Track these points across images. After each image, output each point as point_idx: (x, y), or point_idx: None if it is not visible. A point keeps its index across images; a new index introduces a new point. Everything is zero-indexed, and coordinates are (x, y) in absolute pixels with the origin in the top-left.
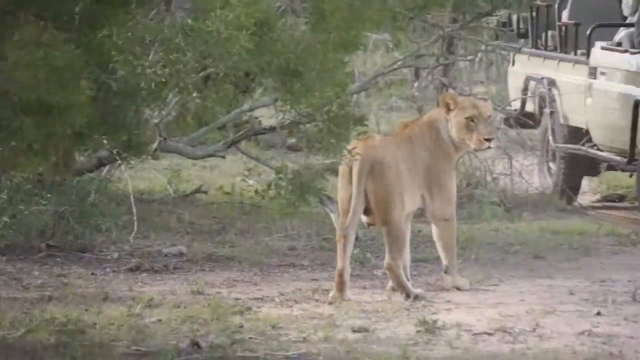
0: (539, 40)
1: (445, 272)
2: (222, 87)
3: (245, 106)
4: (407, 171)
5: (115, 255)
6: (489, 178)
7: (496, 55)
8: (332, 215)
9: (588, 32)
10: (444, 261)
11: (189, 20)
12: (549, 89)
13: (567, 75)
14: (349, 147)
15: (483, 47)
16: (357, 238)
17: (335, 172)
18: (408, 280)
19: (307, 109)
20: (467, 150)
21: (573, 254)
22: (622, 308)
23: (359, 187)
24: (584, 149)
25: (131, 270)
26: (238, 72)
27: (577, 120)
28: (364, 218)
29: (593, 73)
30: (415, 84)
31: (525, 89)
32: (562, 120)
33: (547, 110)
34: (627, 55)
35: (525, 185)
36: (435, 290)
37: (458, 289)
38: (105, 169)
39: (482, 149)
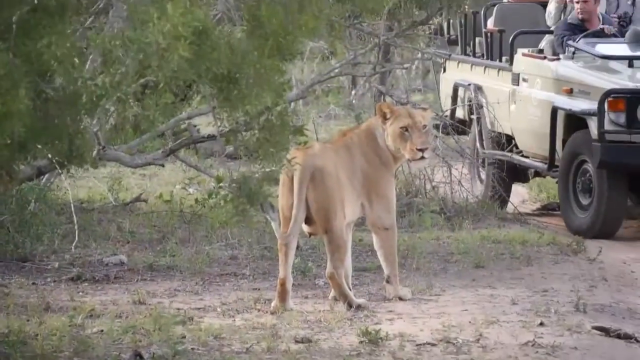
0: (467, 47)
1: (387, 282)
2: (161, 95)
3: (184, 114)
4: (346, 179)
5: (56, 264)
6: (428, 187)
7: (432, 63)
8: (273, 223)
9: (511, 39)
10: (386, 270)
11: (127, 32)
12: (476, 96)
13: (492, 81)
14: (289, 155)
15: (419, 55)
16: (298, 247)
17: (275, 180)
18: (350, 289)
19: (245, 117)
20: (404, 160)
21: (515, 264)
22: (565, 318)
23: (300, 195)
24: (509, 155)
25: (72, 279)
26: (177, 81)
27: (503, 127)
28: (305, 227)
29: (516, 79)
30: (353, 92)
31: (454, 96)
32: (489, 127)
33: (474, 117)
34: (546, 61)
35: (465, 193)
36: (377, 300)
37: (400, 298)
38: (45, 178)
39: (416, 159)
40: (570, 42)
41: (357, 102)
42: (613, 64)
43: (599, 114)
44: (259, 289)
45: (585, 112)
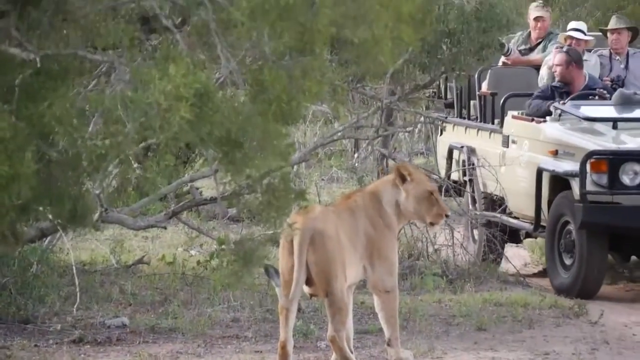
0: (463, 110)
1: (388, 345)
2: (162, 158)
3: (186, 177)
4: (348, 242)
5: (58, 326)
6: (430, 249)
7: (431, 127)
8: (276, 288)
9: (502, 101)
10: (387, 333)
11: (129, 92)
12: (469, 158)
13: (485, 144)
14: (289, 219)
15: (421, 118)
16: (299, 309)
17: (277, 243)
18: (352, 352)
19: (248, 180)
20: (409, 222)
21: (516, 326)
22: None
23: (301, 258)
24: (499, 216)
25: (74, 342)
26: (179, 143)
27: (494, 189)
28: (306, 289)
29: (506, 142)
30: (355, 155)
31: (449, 158)
32: (482, 189)
33: (466, 179)
34: (533, 123)
35: (467, 256)
36: None
37: None
38: (47, 240)
39: (438, 223)
40: (556, 104)
41: (359, 165)
42: (598, 126)
43: (581, 175)
44: (261, 352)
45: (568, 173)
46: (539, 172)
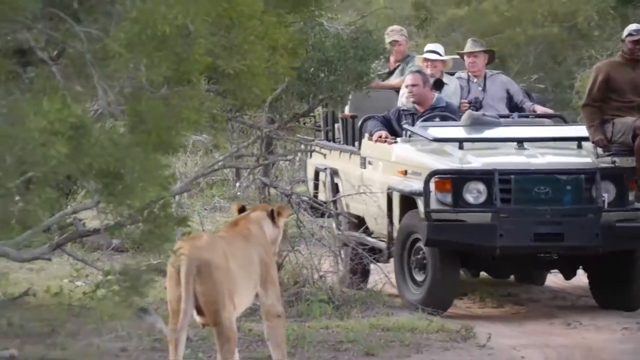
0: (329, 133)
1: None
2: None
3: (69, 209)
4: (241, 270)
5: None
6: (316, 276)
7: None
8: (158, 325)
9: (359, 123)
10: (276, 358)
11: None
12: (332, 179)
13: (346, 165)
14: (175, 247)
15: (302, 147)
16: (188, 338)
17: (162, 272)
18: None
19: (129, 211)
20: None
21: (404, 351)
22: None
23: (187, 289)
24: (358, 235)
25: None
26: (57, 176)
27: (355, 209)
28: (197, 318)
29: (363, 163)
30: (237, 184)
31: (316, 180)
32: (345, 209)
33: (327, 200)
34: (386, 144)
35: (334, 276)
36: None
37: None
38: None
39: None
40: (406, 126)
41: (241, 194)
42: (446, 147)
43: (425, 193)
44: None
45: (414, 192)
46: (389, 192)
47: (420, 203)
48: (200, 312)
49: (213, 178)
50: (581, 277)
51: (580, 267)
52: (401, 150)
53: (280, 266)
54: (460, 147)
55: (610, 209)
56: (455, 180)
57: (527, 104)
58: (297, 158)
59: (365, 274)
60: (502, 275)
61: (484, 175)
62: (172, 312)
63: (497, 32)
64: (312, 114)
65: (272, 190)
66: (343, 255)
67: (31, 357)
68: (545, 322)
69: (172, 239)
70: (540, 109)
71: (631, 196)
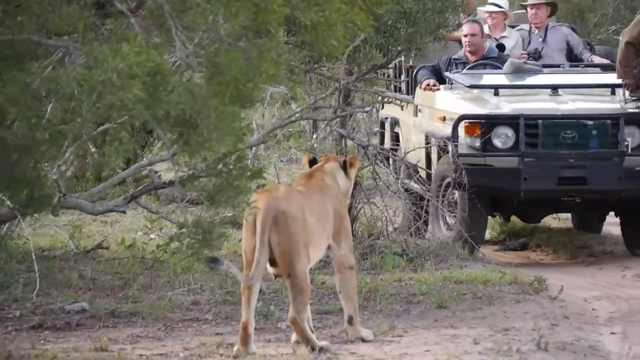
0: (396, 84)
1: (349, 323)
2: (118, 136)
3: (145, 161)
4: (317, 222)
5: (18, 313)
6: (390, 228)
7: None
8: (231, 270)
9: (414, 73)
10: (348, 311)
11: (80, 70)
12: (392, 128)
13: (404, 114)
14: (252, 199)
15: (379, 98)
16: (260, 291)
17: (236, 224)
18: (312, 332)
19: (205, 162)
20: None
21: (476, 303)
22: (527, 357)
23: (263, 238)
24: (408, 182)
25: (34, 327)
26: (134, 121)
27: (410, 156)
28: (270, 269)
29: (415, 111)
30: (314, 136)
31: (382, 130)
32: (402, 156)
33: (387, 147)
34: (430, 92)
35: (428, 234)
36: (339, 343)
37: (362, 340)
38: (5, 226)
39: None
40: (447, 73)
41: (318, 145)
42: (484, 94)
43: (453, 138)
44: (221, 334)
45: (445, 137)
46: (426, 137)
47: (450, 147)
48: (273, 263)
49: (290, 130)
50: None
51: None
52: (441, 97)
53: (354, 218)
54: (496, 94)
55: (634, 153)
56: (484, 125)
57: (586, 55)
58: (374, 110)
59: (425, 222)
60: (532, 219)
61: (511, 120)
62: (246, 263)
63: None
64: (390, 66)
65: (349, 142)
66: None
67: (102, 310)
68: (618, 275)
69: (246, 191)
70: (597, 60)
71: None
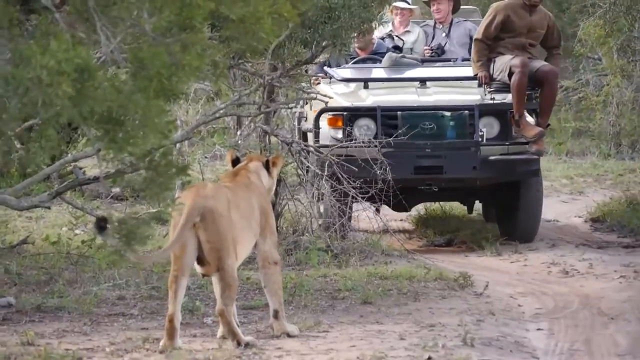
0: None
1: (275, 317)
2: (45, 135)
3: (69, 156)
4: (242, 219)
5: None
6: (315, 224)
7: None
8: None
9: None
10: (273, 306)
11: (8, 67)
12: (298, 122)
13: (307, 110)
14: (179, 196)
15: (303, 95)
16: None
17: (161, 221)
18: (238, 326)
19: (130, 158)
20: None
21: (402, 299)
22: (453, 352)
23: (181, 233)
24: None
25: None
26: (61, 119)
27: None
28: (198, 268)
29: (310, 105)
30: (238, 132)
31: (298, 125)
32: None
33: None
34: (318, 85)
35: (351, 232)
36: (265, 338)
37: (288, 335)
38: None
39: None
40: (326, 68)
41: (242, 142)
42: (356, 87)
43: (315, 129)
44: (147, 329)
45: (307, 129)
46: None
47: (310, 139)
48: (201, 262)
49: (214, 126)
50: (584, 225)
51: (477, 200)
52: (320, 90)
53: (278, 215)
54: (365, 87)
55: (489, 143)
56: (345, 117)
57: None
58: (298, 106)
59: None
60: (400, 209)
61: (370, 112)
62: (174, 259)
63: None
64: (314, 62)
65: (273, 139)
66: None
67: (28, 305)
68: (543, 271)
69: (172, 187)
70: None
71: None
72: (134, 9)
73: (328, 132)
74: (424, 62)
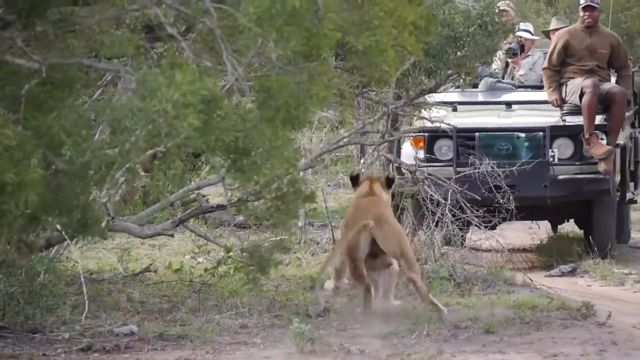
0: None
1: None
2: (171, 165)
3: (193, 184)
4: None
5: (67, 335)
6: (437, 253)
7: None
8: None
9: None
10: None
11: (136, 101)
12: None
13: None
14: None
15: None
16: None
17: (285, 249)
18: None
19: (256, 187)
20: None
21: (524, 328)
22: None
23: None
24: None
25: (82, 350)
26: (186, 150)
27: None
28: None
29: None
30: (362, 161)
31: None
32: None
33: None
34: None
35: (474, 259)
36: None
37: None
38: (54, 249)
39: None
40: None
41: (366, 170)
42: (448, 110)
43: (397, 150)
44: (269, 357)
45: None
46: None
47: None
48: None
49: (337, 154)
50: None
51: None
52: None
53: None
54: (454, 110)
55: (561, 163)
56: (427, 138)
57: None
58: None
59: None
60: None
61: (447, 134)
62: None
63: (625, 10)
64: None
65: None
66: None
67: (151, 333)
68: None
69: (297, 215)
70: None
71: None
72: (259, 37)
73: (410, 151)
74: (519, 87)
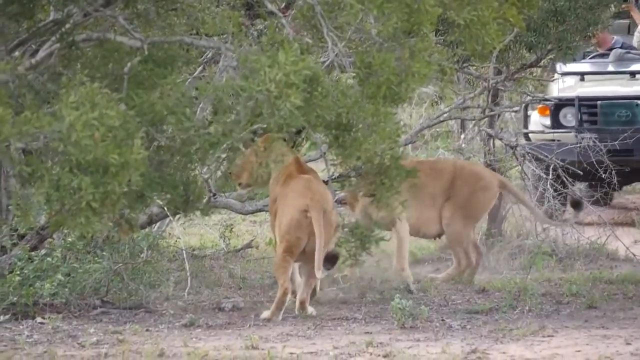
0: None
1: None
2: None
3: None
4: None
5: (170, 311)
6: (539, 228)
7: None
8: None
9: None
10: None
11: (238, 80)
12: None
13: None
14: None
15: (528, 98)
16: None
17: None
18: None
19: (358, 162)
20: None
21: (627, 303)
22: None
23: None
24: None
25: (185, 325)
26: (288, 128)
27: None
28: None
29: None
30: (462, 136)
31: None
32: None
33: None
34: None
35: (576, 234)
36: (489, 342)
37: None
38: (157, 226)
39: None
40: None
41: (466, 146)
42: (576, 80)
43: (524, 118)
44: (370, 333)
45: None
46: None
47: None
48: None
49: (438, 130)
50: None
51: None
52: (550, 85)
53: (503, 218)
54: (582, 79)
55: None
56: (552, 107)
57: None
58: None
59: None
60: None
61: (571, 102)
62: None
63: None
64: (539, 65)
65: (497, 142)
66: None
67: (253, 309)
68: None
69: (399, 190)
70: None
71: None
72: (360, 14)
73: (538, 119)
74: None
